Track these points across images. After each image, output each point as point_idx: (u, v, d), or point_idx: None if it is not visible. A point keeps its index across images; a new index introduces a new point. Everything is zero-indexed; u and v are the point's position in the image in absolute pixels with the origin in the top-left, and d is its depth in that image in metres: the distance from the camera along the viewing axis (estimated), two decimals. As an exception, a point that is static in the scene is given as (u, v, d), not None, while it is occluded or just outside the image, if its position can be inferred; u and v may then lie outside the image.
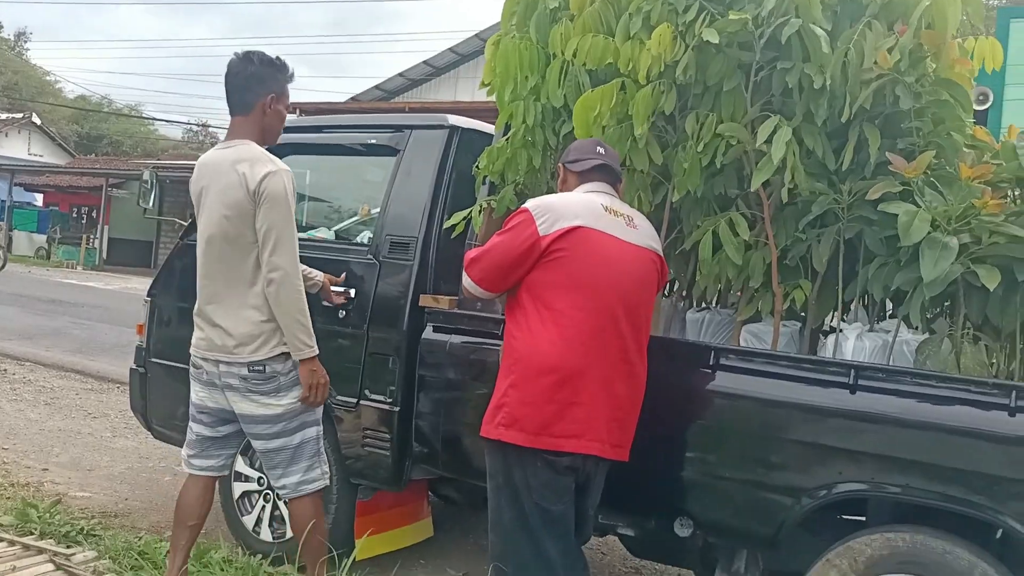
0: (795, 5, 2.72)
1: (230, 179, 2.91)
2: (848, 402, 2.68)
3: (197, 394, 3.11)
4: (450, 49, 25.42)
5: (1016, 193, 2.73)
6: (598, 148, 2.92)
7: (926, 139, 2.78)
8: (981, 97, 19.10)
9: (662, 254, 2.97)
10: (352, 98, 26.47)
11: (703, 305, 3.44)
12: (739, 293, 3.21)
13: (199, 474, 3.14)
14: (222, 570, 3.27)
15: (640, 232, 2.87)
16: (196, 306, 3.09)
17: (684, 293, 3.51)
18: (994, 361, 2.87)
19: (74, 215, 32.01)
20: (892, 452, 2.62)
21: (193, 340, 3.10)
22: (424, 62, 26.00)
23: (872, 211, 2.71)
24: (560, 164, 3.01)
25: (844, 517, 2.85)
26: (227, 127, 3.11)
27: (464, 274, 2.88)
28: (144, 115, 53.56)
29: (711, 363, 2.92)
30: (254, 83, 3.02)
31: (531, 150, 3.35)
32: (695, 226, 3.14)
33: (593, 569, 4.18)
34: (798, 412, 2.78)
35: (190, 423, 3.17)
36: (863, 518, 2.84)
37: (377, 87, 26.69)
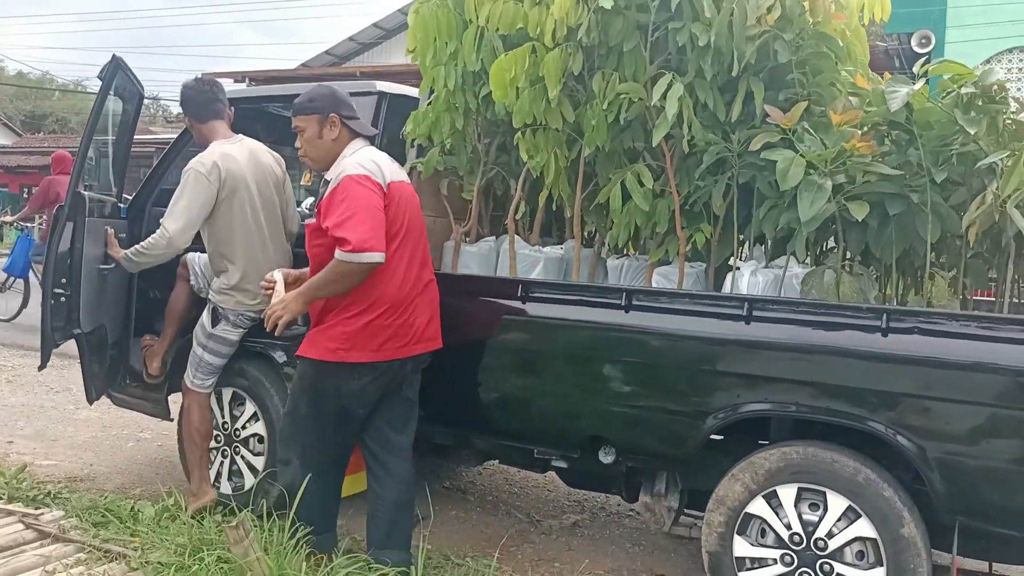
0: (684, -31, 2.94)
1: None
2: (744, 332, 2.96)
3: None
4: (399, 11, 25.14)
5: (891, 135, 2.99)
6: (351, 102, 3.33)
7: (807, 89, 3.03)
8: (923, 40, 19.49)
9: None
10: (302, 64, 26.19)
11: (622, 252, 3.69)
12: (649, 239, 3.46)
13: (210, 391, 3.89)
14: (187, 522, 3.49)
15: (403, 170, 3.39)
16: None
17: (604, 241, 3.75)
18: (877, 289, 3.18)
19: (25, 195, 31.43)
20: (783, 375, 2.92)
21: None
22: (374, 24, 25.73)
23: (760, 158, 2.95)
24: (335, 115, 3.20)
25: (748, 438, 3.15)
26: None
27: (360, 255, 2.92)
28: (90, 91, 52.33)
29: (624, 304, 3.18)
30: None
31: (454, 113, 3.55)
32: (607, 179, 3.38)
33: (540, 505, 4.51)
34: (701, 343, 3.06)
35: (214, 357, 3.80)
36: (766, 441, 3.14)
37: (327, 52, 26.41)
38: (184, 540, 3.24)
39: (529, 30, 3.19)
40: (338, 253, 2.96)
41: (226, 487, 3.99)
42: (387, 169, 3.16)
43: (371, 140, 3.35)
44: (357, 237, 2.91)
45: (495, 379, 3.45)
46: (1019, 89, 19.40)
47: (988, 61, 19.41)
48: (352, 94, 3.88)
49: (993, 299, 3.26)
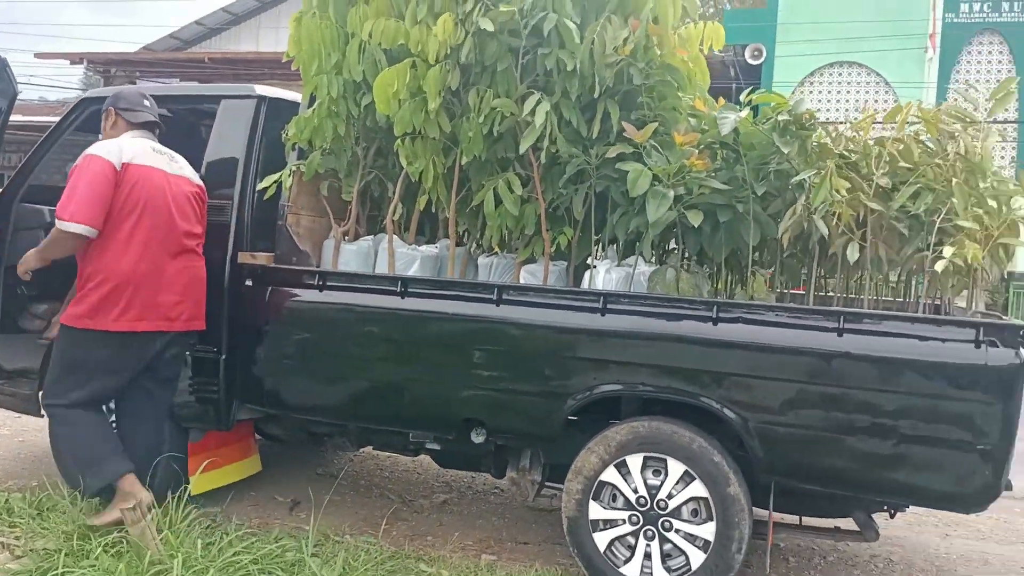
0: (550, 2, 3.31)
1: None
2: (599, 323, 3.38)
3: None
4: (250, -4, 24.45)
5: (722, 153, 3.50)
6: (145, 102, 3.76)
7: (654, 112, 3.49)
8: (756, 53, 20.90)
9: (200, 183, 3.81)
10: (144, 47, 24.98)
11: (492, 251, 4.04)
12: (518, 239, 3.82)
13: None
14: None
15: (180, 166, 3.74)
16: None
17: (477, 242, 4.09)
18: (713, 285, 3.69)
19: None
20: (632, 359, 3.37)
21: None
22: (223, 9, 24.89)
23: (614, 170, 3.38)
24: (111, 108, 3.71)
25: (603, 416, 3.58)
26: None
27: (65, 224, 3.38)
28: None
29: (496, 298, 3.53)
30: None
31: (336, 119, 3.78)
32: (481, 185, 3.71)
33: (410, 486, 4.81)
34: (563, 333, 3.45)
35: None
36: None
37: (172, 35, 25.29)
38: (70, 528, 3.32)
39: (410, 46, 3.48)
40: (56, 221, 3.42)
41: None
42: (130, 152, 3.53)
43: (152, 128, 3.75)
44: (68, 210, 3.37)
45: (376, 370, 3.71)
46: (839, 101, 21.37)
47: (813, 73, 21.35)
48: (232, 97, 4.06)
49: (803, 293, 3.86)
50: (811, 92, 21.24)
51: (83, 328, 3.50)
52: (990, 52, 20.18)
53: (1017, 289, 17.44)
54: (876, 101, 20.27)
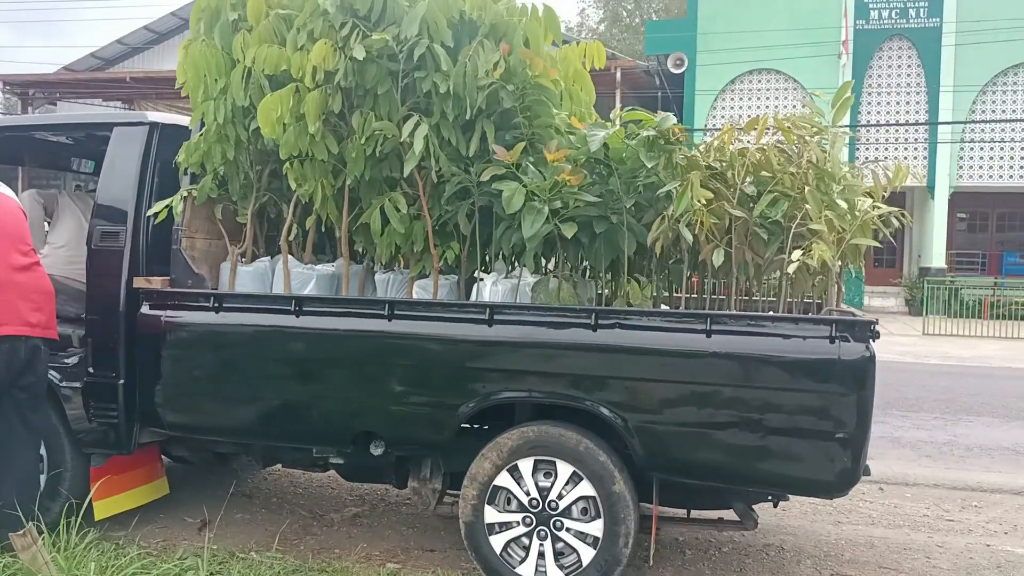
0: (427, 27, 3.45)
1: None
2: (487, 333, 3.51)
3: None
4: (172, 13, 24.23)
5: (596, 168, 3.67)
6: None
7: (530, 129, 3.64)
8: (678, 62, 21.47)
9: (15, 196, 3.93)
10: (65, 68, 24.48)
11: (389, 267, 4.15)
12: (409, 255, 3.94)
13: None
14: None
15: (4, 188, 3.88)
16: None
17: (372, 258, 4.19)
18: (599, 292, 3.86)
19: None
20: (519, 367, 3.51)
21: None
22: (145, 27, 24.58)
23: (493, 188, 3.52)
24: None
25: (498, 423, 3.71)
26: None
27: None
28: None
29: (387, 313, 3.63)
30: None
31: (225, 144, 3.85)
32: (370, 203, 3.82)
33: (322, 501, 4.87)
34: (453, 344, 3.58)
35: None
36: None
37: (93, 55, 24.88)
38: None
39: (292, 72, 3.57)
40: None
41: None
42: None
43: None
44: None
45: (275, 389, 3.78)
46: (759, 107, 21.99)
47: (734, 81, 21.95)
48: (123, 124, 4.10)
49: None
50: (732, 99, 21.92)
51: None
52: (899, 56, 21.06)
53: (932, 284, 18.22)
54: (793, 106, 20.97)
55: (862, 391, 3.16)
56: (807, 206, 3.35)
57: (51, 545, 3.25)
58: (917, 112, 20.96)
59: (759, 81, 21.91)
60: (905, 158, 20.29)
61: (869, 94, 20.94)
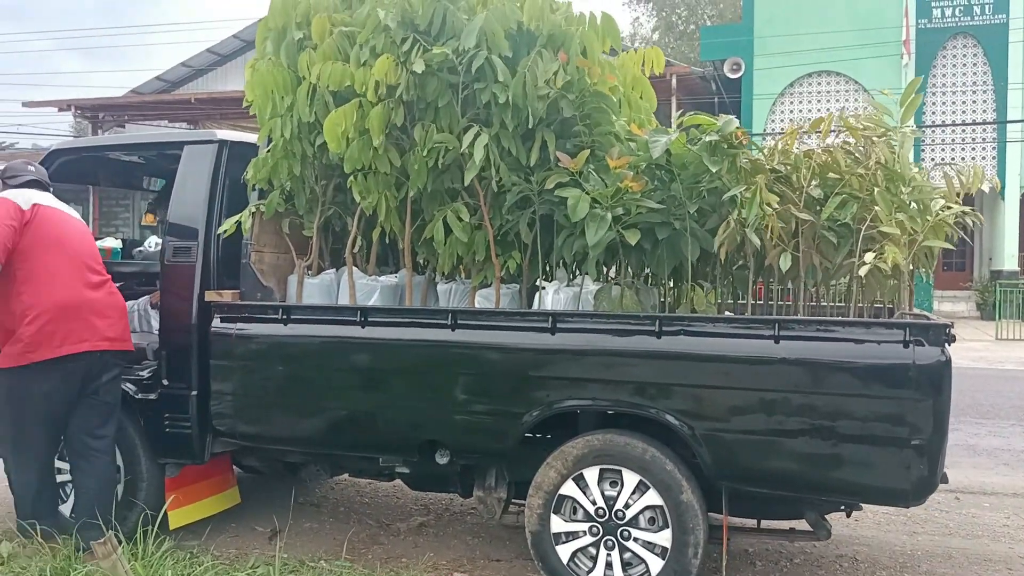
0: (486, 39, 3.48)
1: None
2: (550, 341, 3.51)
3: None
4: (234, 36, 24.88)
5: (657, 174, 3.65)
6: (29, 167, 4.03)
7: (590, 138, 3.64)
8: (735, 67, 21.27)
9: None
10: (132, 91, 25.35)
11: (452, 277, 4.18)
12: (471, 265, 3.96)
13: None
14: None
15: (74, 214, 4.05)
16: None
17: (435, 269, 4.23)
18: (661, 299, 3.83)
19: None
20: (583, 375, 3.50)
21: None
22: (208, 50, 25.28)
23: (555, 196, 3.53)
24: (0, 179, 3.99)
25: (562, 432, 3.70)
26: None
27: None
28: None
29: (451, 323, 3.66)
30: None
31: (291, 160, 3.94)
32: (432, 215, 3.86)
33: (388, 511, 4.91)
34: (516, 353, 3.59)
35: None
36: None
37: (158, 78, 25.69)
38: (45, 566, 3.43)
39: (356, 87, 3.64)
40: None
41: (84, 518, 4.16)
42: (29, 197, 3.82)
43: (41, 185, 4.00)
44: None
45: (341, 398, 3.84)
46: (819, 110, 21.59)
47: (792, 84, 21.61)
48: (194, 142, 4.23)
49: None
50: (791, 103, 21.57)
51: (25, 364, 3.71)
52: (964, 55, 20.47)
53: (1004, 287, 17.60)
54: (855, 108, 20.53)
55: (938, 396, 3.07)
56: (877, 208, 3.28)
57: (130, 553, 3.35)
58: (984, 111, 20.33)
59: (819, 84, 21.53)
60: (973, 158, 19.69)
61: (934, 94, 20.38)
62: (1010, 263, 19.91)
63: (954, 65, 20.55)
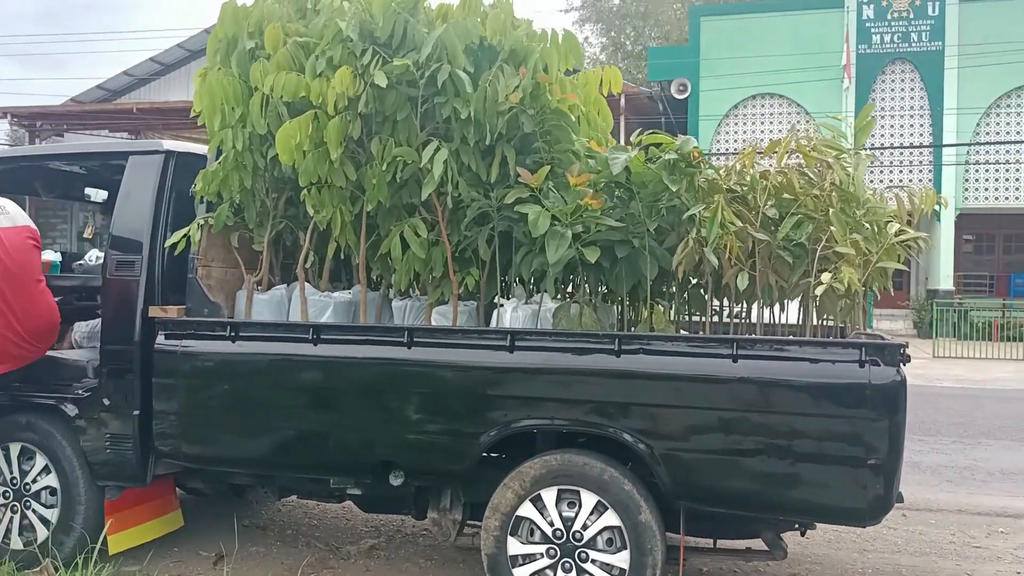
0: (445, 52, 3.43)
1: None
2: (508, 360, 3.46)
3: None
4: (179, 45, 24.44)
5: (617, 192, 3.63)
6: None
7: (550, 154, 3.62)
8: (681, 87, 21.57)
9: (32, 225, 3.92)
10: (72, 100, 24.66)
11: (406, 294, 4.11)
12: (428, 282, 3.89)
13: None
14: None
15: (12, 216, 3.84)
16: None
17: (389, 286, 4.15)
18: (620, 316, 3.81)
19: None
20: (542, 394, 3.45)
21: None
22: (151, 59, 24.77)
23: (514, 212, 3.48)
24: None
25: (519, 452, 3.64)
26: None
27: None
28: None
29: (407, 341, 3.58)
30: None
31: (242, 172, 3.83)
32: (389, 230, 3.78)
33: (338, 533, 4.80)
34: (474, 372, 3.52)
35: None
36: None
37: (100, 87, 25.07)
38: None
39: (312, 99, 3.56)
40: None
41: (17, 542, 3.97)
42: None
43: None
44: None
45: (292, 419, 3.72)
46: (763, 132, 22.06)
47: (737, 106, 22.04)
48: (138, 153, 4.09)
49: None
50: (736, 124, 21.99)
51: None
52: (902, 80, 21.13)
53: (940, 307, 18.13)
54: (804, 130, 20.99)
55: (894, 416, 3.10)
56: (832, 228, 3.31)
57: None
58: (921, 135, 20.99)
59: (763, 106, 22.00)
60: (911, 181, 20.29)
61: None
62: (946, 283, 20.54)
63: (892, 89, 21.20)
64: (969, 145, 20.37)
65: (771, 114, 21.88)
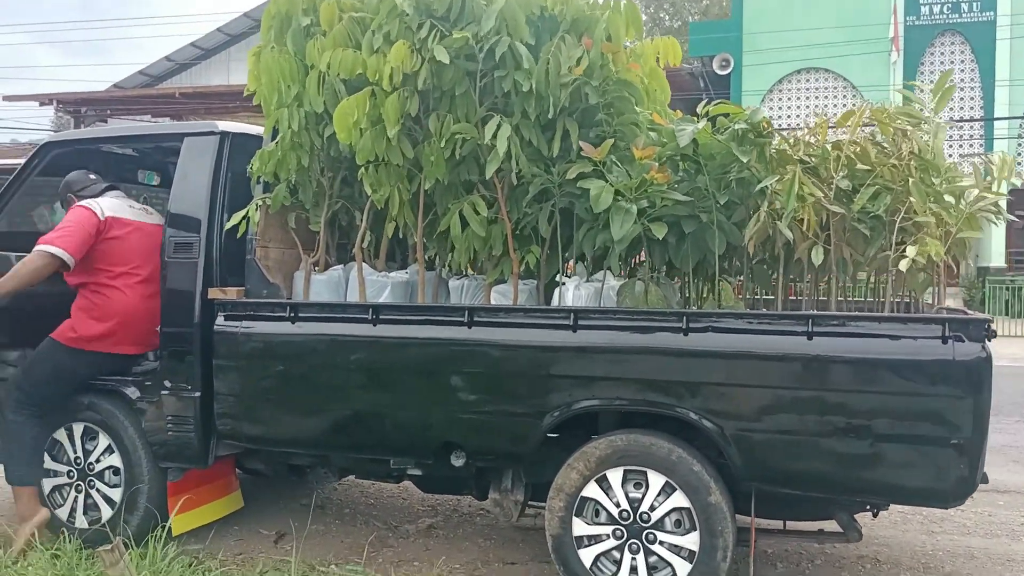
0: (505, 24, 3.35)
1: None
2: (571, 339, 3.39)
3: None
4: (219, 29, 24.62)
5: (683, 165, 3.53)
6: (90, 176, 4.21)
7: (613, 127, 3.52)
8: (724, 63, 21.24)
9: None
10: (114, 85, 24.99)
11: (463, 273, 4.05)
12: (487, 261, 3.83)
13: None
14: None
15: (155, 215, 4.23)
16: None
17: (446, 264, 4.10)
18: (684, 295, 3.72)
19: None
20: (606, 374, 3.37)
21: None
22: (192, 44, 24.99)
23: (576, 187, 3.40)
24: (72, 195, 4.12)
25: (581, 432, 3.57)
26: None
27: (44, 246, 3.80)
28: None
29: (467, 320, 3.53)
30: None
31: (299, 151, 3.78)
32: (446, 209, 3.72)
33: (395, 512, 4.79)
34: (536, 352, 3.46)
35: None
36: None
37: (141, 72, 25.36)
38: (46, 573, 3.28)
39: (368, 75, 3.49)
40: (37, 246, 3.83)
41: (82, 521, 4.01)
42: (110, 207, 4.02)
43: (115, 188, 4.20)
44: (50, 238, 3.82)
45: (352, 399, 3.70)
46: (807, 107, 21.59)
47: (780, 81, 21.58)
48: (193, 134, 4.06)
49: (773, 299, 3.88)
50: (779, 99, 21.55)
51: (84, 349, 3.95)
52: (952, 52, 20.52)
53: (992, 284, 17.66)
54: (844, 106, 20.53)
55: (979, 394, 2.97)
56: (911, 199, 3.17)
57: (137, 558, 3.20)
58: (972, 108, 20.40)
59: (807, 80, 21.52)
60: (962, 155, 19.75)
61: (922, 91, 20.41)
62: (997, 260, 20.01)
63: (942, 62, 20.59)
64: (1022, 119, 19.75)
65: (816, 89, 21.41)
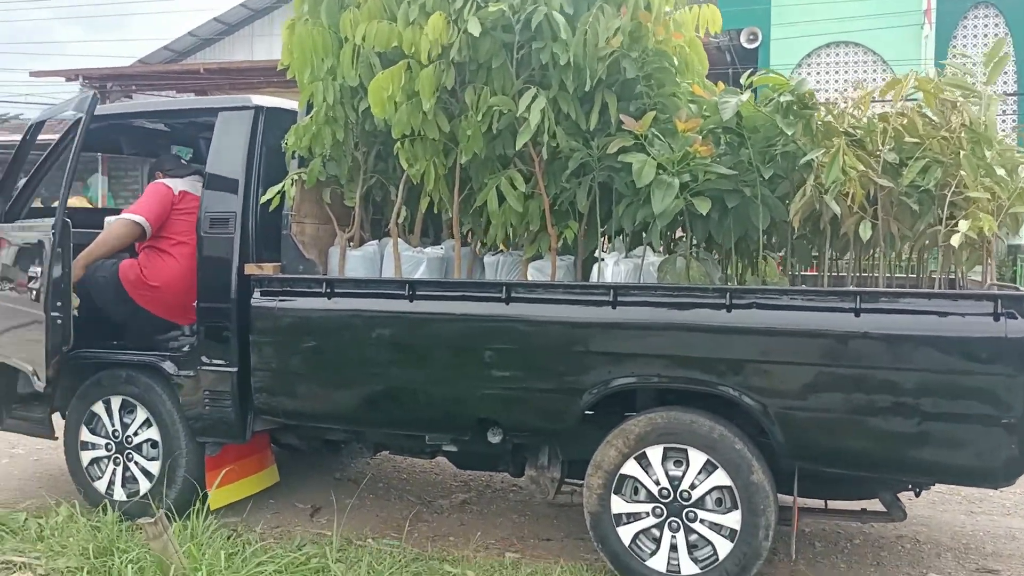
0: (543, -6, 3.27)
1: None
2: (611, 316, 3.34)
3: None
4: (242, 4, 24.44)
5: (726, 138, 3.46)
6: (181, 160, 4.60)
7: (653, 99, 3.45)
8: (751, 36, 20.77)
9: None
10: (139, 61, 24.98)
11: (498, 249, 4.01)
12: (523, 236, 3.78)
13: None
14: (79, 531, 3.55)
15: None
16: None
17: (482, 241, 4.05)
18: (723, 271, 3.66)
19: None
20: (646, 351, 3.33)
21: None
22: (215, 19, 24.86)
23: (617, 161, 3.34)
24: (161, 172, 4.39)
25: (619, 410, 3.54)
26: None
27: (127, 214, 4.12)
28: None
29: (505, 296, 3.49)
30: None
31: (334, 126, 3.74)
32: (483, 184, 3.68)
33: (429, 487, 4.79)
34: (574, 328, 3.42)
35: None
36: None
37: (166, 47, 25.29)
38: (90, 545, 3.31)
39: (404, 48, 3.44)
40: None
41: (120, 494, 4.05)
42: (182, 186, 4.25)
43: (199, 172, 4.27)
44: (133, 208, 4.12)
45: (389, 375, 3.68)
46: (837, 82, 21.22)
47: (810, 55, 21.18)
48: (228, 109, 4.04)
49: (816, 274, 3.82)
50: (808, 74, 21.16)
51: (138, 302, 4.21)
52: (986, 26, 20.00)
53: (1025, 261, 17.35)
54: (874, 81, 20.15)
55: (1031, 372, 2.90)
56: (962, 173, 3.09)
57: (181, 532, 3.23)
58: (1006, 83, 19.92)
59: (837, 55, 21.05)
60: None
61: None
62: (1030, 236, 19.64)
63: (975, 36, 20.08)
64: (1057, 92, 19.28)
65: (846, 63, 20.95)
